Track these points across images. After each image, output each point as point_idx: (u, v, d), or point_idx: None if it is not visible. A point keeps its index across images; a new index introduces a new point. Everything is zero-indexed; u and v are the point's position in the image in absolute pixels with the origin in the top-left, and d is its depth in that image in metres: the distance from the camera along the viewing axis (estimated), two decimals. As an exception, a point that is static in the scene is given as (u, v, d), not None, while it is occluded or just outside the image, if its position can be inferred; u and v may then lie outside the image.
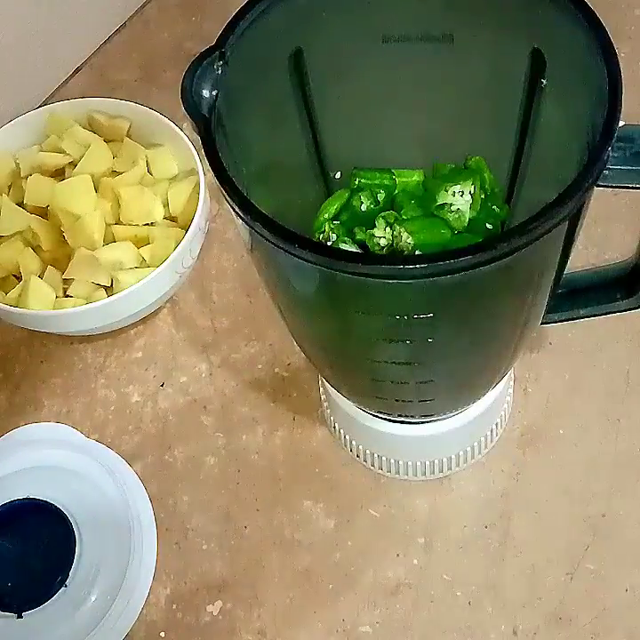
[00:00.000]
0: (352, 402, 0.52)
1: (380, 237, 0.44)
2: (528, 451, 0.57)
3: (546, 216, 0.33)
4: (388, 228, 0.44)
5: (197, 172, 0.61)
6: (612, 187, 0.35)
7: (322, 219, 0.46)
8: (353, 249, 0.45)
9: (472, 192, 0.44)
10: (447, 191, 0.44)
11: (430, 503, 0.56)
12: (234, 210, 0.35)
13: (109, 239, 0.61)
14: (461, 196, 0.44)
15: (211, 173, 0.35)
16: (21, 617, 0.51)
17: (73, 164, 0.63)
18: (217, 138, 0.36)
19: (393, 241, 0.44)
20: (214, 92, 0.36)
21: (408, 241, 0.43)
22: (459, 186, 0.44)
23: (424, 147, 0.46)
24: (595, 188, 0.34)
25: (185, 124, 0.63)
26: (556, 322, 0.49)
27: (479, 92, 0.43)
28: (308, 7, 0.39)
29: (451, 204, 0.44)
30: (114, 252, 0.60)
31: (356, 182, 0.46)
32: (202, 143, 0.35)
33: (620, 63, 0.34)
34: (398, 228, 0.44)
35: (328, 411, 0.57)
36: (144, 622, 0.53)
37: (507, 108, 0.43)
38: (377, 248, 0.44)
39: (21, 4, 0.67)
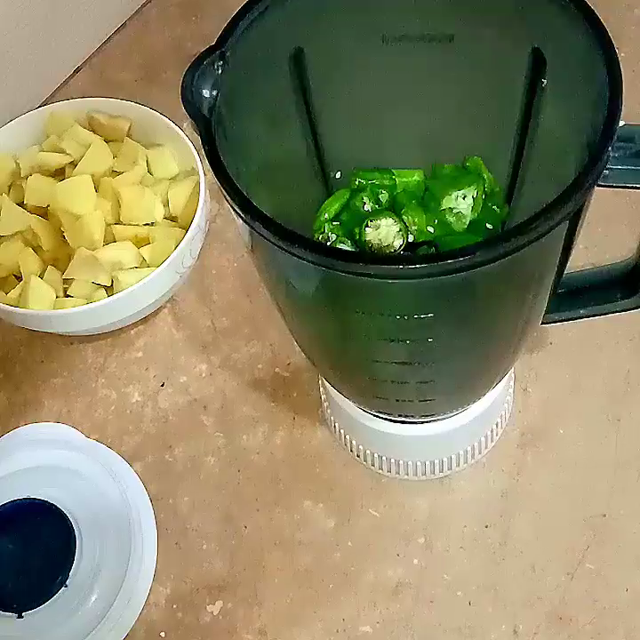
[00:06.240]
0: (352, 402, 0.52)
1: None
2: (528, 451, 0.57)
3: (546, 216, 0.33)
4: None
5: (197, 172, 0.61)
6: (612, 187, 0.35)
7: (322, 219, 0.46)
8: (352, 249, 0.45)
9: (474, 196, 0.44)
10: (451, 195, 0.44)
11: (430, 503, 0.56)
12: (234, 210, 0.35)
13: (109, 239, 0.61)
14: (463, 199, 0.44)
15: (211, 173, 0.35)
16: (21, 617, 0.51)
17: (73, 164, 0.63)
18: (217, 138, 0.36)
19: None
20: (214, 92, 0.36)
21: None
22: (463, 191, 0.44)
23: (424, 147, 0.46)
24: (595, 187, 0.34)
25: (185, 124, 0.63)
26: (555, 322, 0.49)
27: (479, 92, 0.43)
28: (307, 7, 0.39)
29: (452, 208, 0.44)
30: (114, 252, 0.60)
31: (357, 182, 0.46)
32: (202, 143, 0.35)
33: (620, 63, 0.34)
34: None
35: (328, 411, 0.57)
36: (144, 622, 0.53)
37: (507, 107, 0.43)
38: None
39: (22, 4, 0.67)
